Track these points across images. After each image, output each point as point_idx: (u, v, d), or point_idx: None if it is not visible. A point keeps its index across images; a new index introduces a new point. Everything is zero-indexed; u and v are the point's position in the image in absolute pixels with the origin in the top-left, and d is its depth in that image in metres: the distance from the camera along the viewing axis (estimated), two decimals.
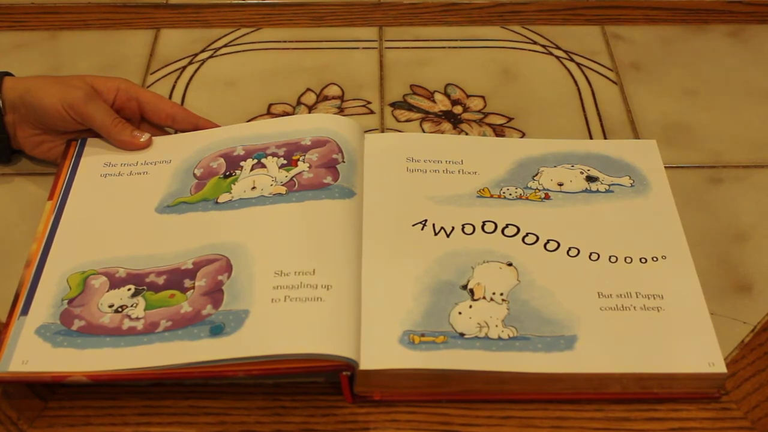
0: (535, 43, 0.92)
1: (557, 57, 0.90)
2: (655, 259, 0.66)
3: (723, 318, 0.66)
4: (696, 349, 0.61)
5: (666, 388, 0.61)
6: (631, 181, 0.72)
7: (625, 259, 0.66)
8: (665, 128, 0.82)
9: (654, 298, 0.64)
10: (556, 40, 0.92)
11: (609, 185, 0.72)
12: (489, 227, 0.68)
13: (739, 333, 0.66)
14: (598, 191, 0.71)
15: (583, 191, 0.71)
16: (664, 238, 0.68)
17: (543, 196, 0.71)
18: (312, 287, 0.61)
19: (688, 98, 0.85)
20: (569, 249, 0.67)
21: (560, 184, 0.72)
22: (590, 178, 0.72)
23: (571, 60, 0.90)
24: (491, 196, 0.71)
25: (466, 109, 0.85)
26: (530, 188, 0.71)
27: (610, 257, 0.66)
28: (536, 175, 0.73)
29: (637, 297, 0.64)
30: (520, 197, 0.71)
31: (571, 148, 0.75)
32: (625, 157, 0.74)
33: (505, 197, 0.71)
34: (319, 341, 0.59)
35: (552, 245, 0.67)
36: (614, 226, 0.69)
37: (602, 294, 0.64)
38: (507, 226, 0.68)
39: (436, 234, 0.68)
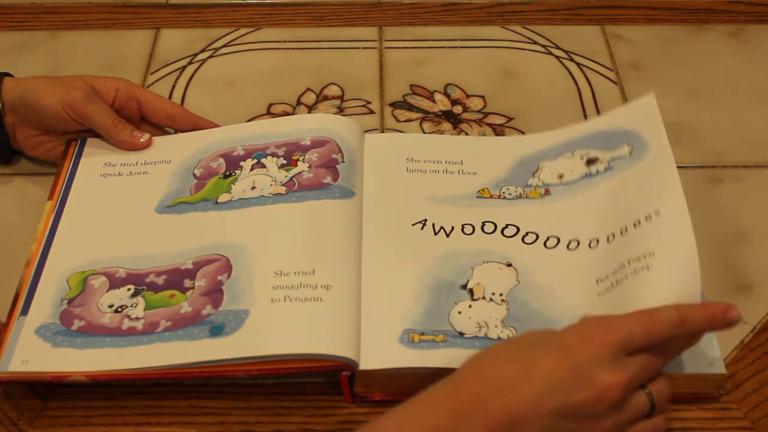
0: (535, 43, 0.92)
1: (557, 57, 0.90)
2: (648, 218, 0.63)
3: None
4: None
5: None
6: (630, 148, 0.69)
7: (621, 231, 0.64)
8: (665, 128, 0.82)
9: (644, 258, 0.61)
10: (556, 40, 0.92)
11: (609, 162, 0.70)
12: (489, 228, 0.68)
13: (739, 333, 0.66)
14: (597, 173, 0.70)
15: (582, 178, 0.70)
16: (659, 192, 0.64)
17: (543, 192, 0.71)
18: (312, 287, 0.61)
19: (688, 98, 0.85)
20: (569, 243, 0.66)
21: (561, 176, 0.71)
22: (590, 161, 0.71)
23: (571, 60, 0.90)
24: (491, 197, 0.71)
25: (466, 109, 0.85)
26: (530, 186, 0.71)
27: (608, 237, 0.65)
28: (536, 171, 0.72)
29: (628, 264, 0.61)
30: (519, 196, 0.71)
31: (569, 135, 0.74)
32: (623, 124, 0.72)
33: (504, 197, 0.71)
34: (319, 341, 0.59)
35: (552, 242, 0.67)
36: (612, 204, 0.67)
37: (600, 279, 0.63)
38: (507, 226, 0.68)
39: (435, 234, 0.68)
